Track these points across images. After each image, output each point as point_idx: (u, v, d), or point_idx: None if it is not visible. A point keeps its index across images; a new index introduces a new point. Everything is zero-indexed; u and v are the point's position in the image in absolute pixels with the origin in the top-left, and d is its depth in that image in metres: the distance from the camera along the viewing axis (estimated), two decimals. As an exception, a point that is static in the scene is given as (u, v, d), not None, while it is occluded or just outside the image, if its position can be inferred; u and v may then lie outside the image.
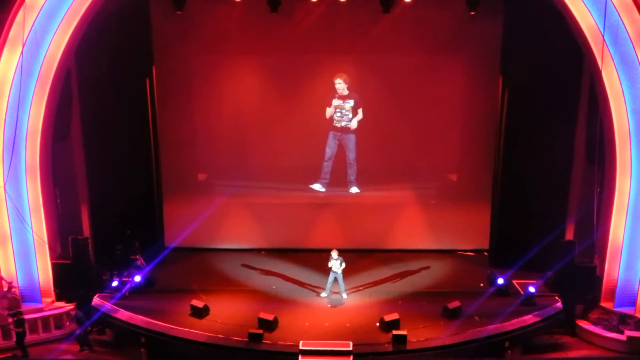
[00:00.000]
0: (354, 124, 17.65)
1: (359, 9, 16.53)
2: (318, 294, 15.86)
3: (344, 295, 15.64)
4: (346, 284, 16.46)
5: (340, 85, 17.37)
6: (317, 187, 18.26)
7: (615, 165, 14.80)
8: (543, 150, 16.45)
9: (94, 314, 15.10)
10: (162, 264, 17.49)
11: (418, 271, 17.22)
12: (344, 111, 17.59)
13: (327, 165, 18.12)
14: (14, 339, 14.56)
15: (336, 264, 15.40)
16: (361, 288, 16.32)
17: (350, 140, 17.90)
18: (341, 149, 18.06)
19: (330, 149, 18.00)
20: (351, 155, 18.00)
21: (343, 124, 17.72)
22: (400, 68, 17.45)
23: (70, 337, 15.17)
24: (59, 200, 16.42)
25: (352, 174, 18.17)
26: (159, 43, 17.12)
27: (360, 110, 17.65)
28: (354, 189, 18.27)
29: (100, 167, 16.91)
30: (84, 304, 15.44)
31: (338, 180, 18.28)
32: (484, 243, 17.99)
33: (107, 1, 14.97)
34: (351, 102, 17.56)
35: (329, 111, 17.64)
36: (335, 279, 15.56)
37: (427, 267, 17.37)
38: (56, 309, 15.51)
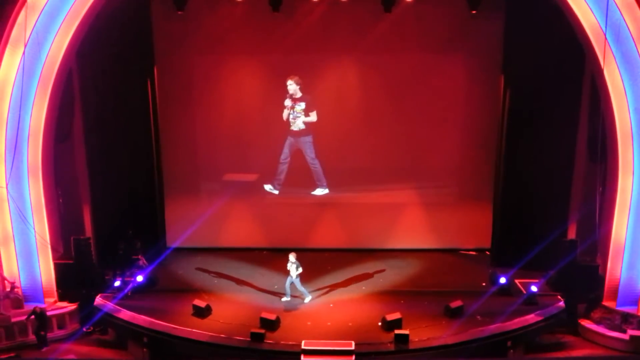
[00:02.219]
0: (299, 123, 17.54)
1: (360, 8, 16.53)
2: (310, 295, 15.81)
3: (307, 299, 15.49)
4: (348, 284, 16.49)
5: (292, 87, 17.30)
6: (268, 187, 18.22)
7: (618, 163, 14.77)
8: (545, 148, 16.42)
9: (96, 314, 15.13)
10: (164, 263, 17.56)
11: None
12: (295, 113, 17.54)
13: (280, 167, 18.08)
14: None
15: (292, 268, 15.18)
16: (363, 287, 16.33)
17: (305, 143, 17.83)
18: (322, 151, 17.99)
19: (284, 153, 17.99)
20: (309, 156, 17.92)
21: (295, 127, 17.67)
22: (402, 67, 17.44)
23: (73, 337, 15.23)
24: (61, 201, 16.45)
25: (315, 175, 18.09)
26: (160, 43, 17.15)
27: (313, 114, 17.54)
28: (319, 191, 18.18)
29: (102, 167, 16.93)
30: (86, 303, 15.47)
31: (337, 180, 18.26)
32: (485, 242, 17.96)
33: (109, 1, 14.97)
34: (302, 105, 17.49)
35: (284, 113, 17.60)
36: (293, 284, 15.31)
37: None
38: (58, 309, 15.52)
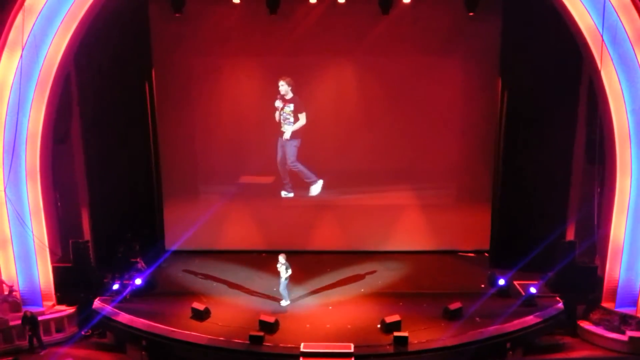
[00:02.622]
0: (287, 134, 17.61)
1: (357, 10, 16.55)
2: (316, 295, 15.87)
3: (284, 303, 15.40)
4: (347, 286, 16.48)
5: (283, 88, 17.31)
6: (284, 194, 18.27)
7: (616, 165, 14.80)
8: (543, 150, 16.45)
9: (94, 317, 15.10)
10: (163, 266, 17.54)
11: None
12: (284, 114, 17.54)
13: (280, 171, 18.15)
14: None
15: (282, 270, 15.17)
16: (362, 290, 16.33)
17: (289, 146, 17.81)
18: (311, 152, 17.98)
19: (278, 154, 18.03)
20: (289, 159, 17.91)
21: (284, 128, 17.67)
22: (400, 69, 17.45)
23: (72, 340, 15.20)
24: (59, 204, 16.44)
25: (302, 175, 18.08)
26: (157, 46, 17.16)
27: (302, 116, 17.55)
28: (314, 188, 18.13)
29: (100, 170, 16.90)
30: (84, 307, 15.44)
31: (336, 182, 18.26)
32: (484, 244, 17.99)
33: (106, 4, 14.97)
34: (291, 106, 17.49)
35: (276, 114, 17.62)
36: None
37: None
38: (57, 313, 15.49)
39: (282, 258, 15.22)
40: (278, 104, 17.49)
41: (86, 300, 15.50)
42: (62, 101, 15.76)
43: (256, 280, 16.90)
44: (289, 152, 17.89)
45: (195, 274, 17.22)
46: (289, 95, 17.47)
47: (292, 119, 17.64)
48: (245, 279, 16.94)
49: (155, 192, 17.73)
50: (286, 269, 15.17)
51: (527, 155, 16.59)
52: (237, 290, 16.38)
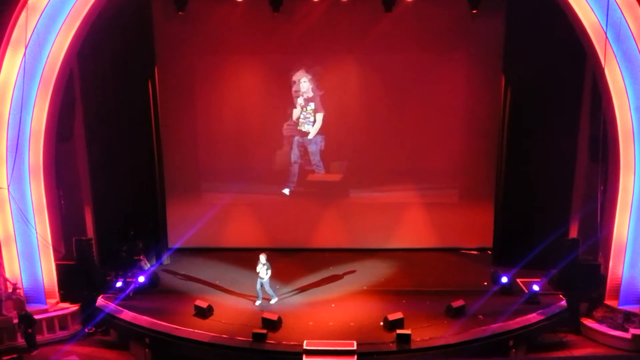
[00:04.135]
0: (312, 134, 17.64)
1: (360, 8, 16.57)
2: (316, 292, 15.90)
3: (274, 300, 15.40)
4: (350, 284, 16.49)
5: (305, 84, 17.26)
6: (286, 191, 18.24)
7: (619, 162, 14.76)
8: (546, 148, 16.42)
9: (98, 315, 15.14)
10: (166, 264, 17.58)
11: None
12: (305, 113, 17.52)
13: (292, 169, 18.12)
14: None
15: (262, 270, 15.07)
16: (365, 287, 16.34)
17: (314, 143, 17.81)
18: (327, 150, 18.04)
19: (294, 154, 18.00)
20: (314, 158, 17.92)
21: (305, 127, 17.63)
22: (403, 67, 17.45)
23: (75, 338, 15.25)
24: (62, 202, 16.45)
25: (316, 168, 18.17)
26: (161, 44, 17.17)
27: (319, 117, 17.54)
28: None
29: (103, 167, 16.91)
30: (88, 304, 15.49)
31: (341, 180, 18.26)
32: (487, 241, 17.95)
33: (109, 2, 14.99)
34: (312, 105, 17.47)
35: (295, 112, 17.57)
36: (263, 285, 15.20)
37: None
38: (60, 310, 15.53)
39: (262, 258, 15.07)
40: (301, 101, 17.42)
41: (89, 298, 15.55)
42: (66, 99, 15.77)
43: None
44: (314, 151, 17.85)
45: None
46: (311, 94, 17.43)
47: (312, 118, 17.63)
48: (248, 277, 16.91)
49: (158, 189, 17.73)
50: (267, 269, 15.08)
51: (530, 153, 16.56)
52: (240, 287, 16.36)
